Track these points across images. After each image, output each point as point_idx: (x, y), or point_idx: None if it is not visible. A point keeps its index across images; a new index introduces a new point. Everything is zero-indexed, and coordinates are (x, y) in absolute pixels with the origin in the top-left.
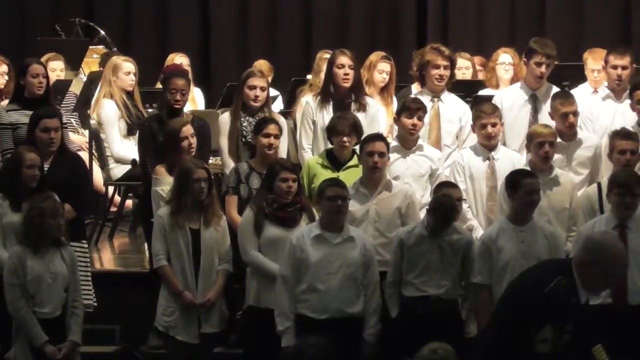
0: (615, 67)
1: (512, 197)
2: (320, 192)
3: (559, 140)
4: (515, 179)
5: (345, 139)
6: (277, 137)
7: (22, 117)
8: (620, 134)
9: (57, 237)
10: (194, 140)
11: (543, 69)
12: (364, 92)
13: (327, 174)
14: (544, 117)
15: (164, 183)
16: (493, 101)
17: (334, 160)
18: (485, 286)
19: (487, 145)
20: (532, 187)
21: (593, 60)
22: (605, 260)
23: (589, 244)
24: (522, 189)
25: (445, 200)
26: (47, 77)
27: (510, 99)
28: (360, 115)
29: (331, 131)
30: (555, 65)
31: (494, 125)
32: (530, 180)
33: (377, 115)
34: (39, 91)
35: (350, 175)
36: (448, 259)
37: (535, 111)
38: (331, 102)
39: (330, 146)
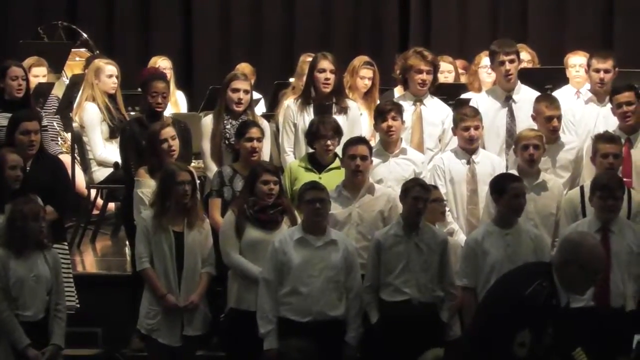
0: (597, 71)
1: (498, 201)
2: (299, 196)
3: None
4: (501, 183)
5: (329, 142)
6: (259, 140)
7: (1, 119)
8: (603, 138)
9: (39, 239)
10: (174, 143)
11: (507, 66)
12: (345, 95)
13: (309, 177)
14: (521, 118)
15: (145, 185)
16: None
17: (316, 162)
18: (470, 289)
19: (468, 148)
20: (518, 191)
21: (573, 56)
22: (582, 258)
23: (564, 244)
24: (508, 193)
25: (420, 181)
26: (26, 79)
27: (486, 102)
28: (341, 118)
29: (314, 136)
30: (537, 68)
31: (476, 128)
32: (517, 184)
33: (359, 118)
34: (19, 94)
35: (333, 177)
36: (426, 257)
37: (512, 112)
38: (312, 105)
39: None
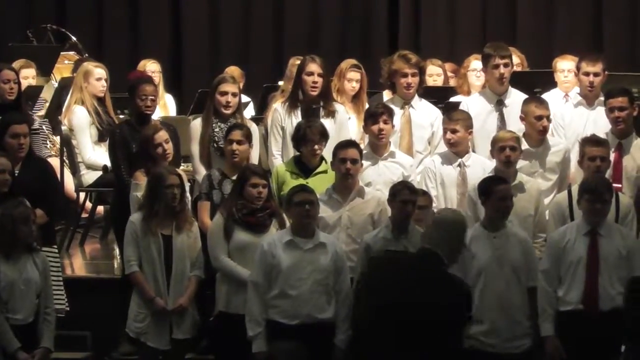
0: (587, 74)
1: (485, 204)
2: (288, 199)
3: (526, 146)
4: (487, 186)
5: (316, 146)
6: (239, 142)
7: None
8: (590, 141)
9: (29, 243)
10: (168, 147)
11: (501, 69)
12: (332, 99)
13: (296, 181)
14: (511, 122)
15: (143, 189)
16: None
17: (303, 166)
18: None
19: (455, 151)
20: (505, 194)
21: (562, 60)
22: (462, 231)
23: (442, 225)
24: (494, 196)
25: (407, 184)
26: (18, 82)
27: (477, 106)
28: (329, 122)
29: (301, 140)
30: (526, 72)
31: (453, 131)
32: (503, 187)
33: (346, 122)
34: (10, 97)
35: (320, 181)
36: None
37: (502, 116)
38: (299, 108)
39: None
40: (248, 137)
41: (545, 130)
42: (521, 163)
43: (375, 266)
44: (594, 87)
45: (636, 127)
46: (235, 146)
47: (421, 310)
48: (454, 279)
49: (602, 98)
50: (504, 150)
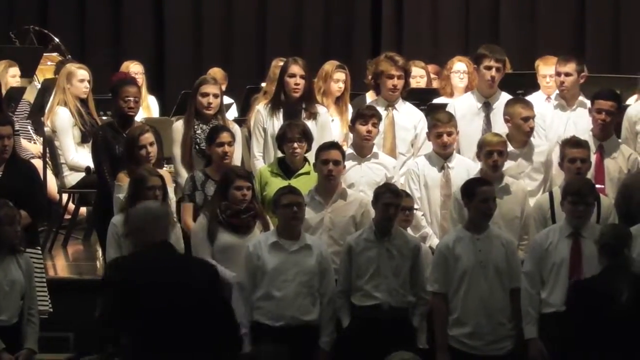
0: (558, 74)
1: (468, 206)
2: (275, 200)
3: (511, 148)
4: (470, 188)
5: (295, 145)
6: (230, 144)
7: None
8: (570, 142)
9: (13, 244)
10: (152, 149)
11: (493, 72)
12: (315, 101)
13: (279, 182)
14: (497, 124)
15: (126, 190)
16: (446, 109)
17: (286, 168)
18: (441, 295)
19: (443, 153)
20: (487, 195)
21: (544, 66)
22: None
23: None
24: (477, 197)
25: (391, 186)
26: None
27: (464, 107)
28: (311, 124)
29: (281, 139)
30: (509, 73)
31: (449, 134)
32: (486, 189)
33: (329, 124)
34: None
35: (302, 183)
36: (397, 263)
37: (489, 119)
38: (282, 110)
39: (280, 154)
40: (233, 137)
41: (532, 130)
42: (508, 164)
43: (122, 268)
44: (565, 88)
45: (616, 130)
46: (227, 148)
47: (180, 297)
48: (196, 259)
49: (581, 99)
50: (492, 154)
